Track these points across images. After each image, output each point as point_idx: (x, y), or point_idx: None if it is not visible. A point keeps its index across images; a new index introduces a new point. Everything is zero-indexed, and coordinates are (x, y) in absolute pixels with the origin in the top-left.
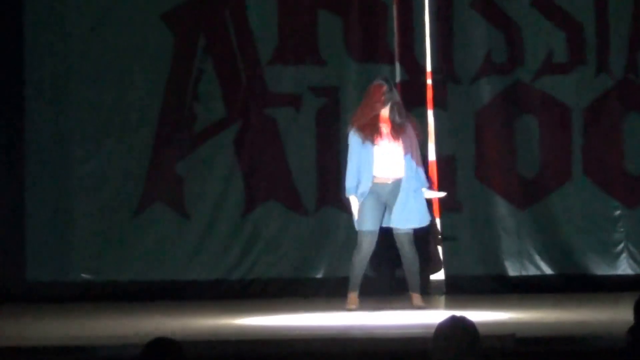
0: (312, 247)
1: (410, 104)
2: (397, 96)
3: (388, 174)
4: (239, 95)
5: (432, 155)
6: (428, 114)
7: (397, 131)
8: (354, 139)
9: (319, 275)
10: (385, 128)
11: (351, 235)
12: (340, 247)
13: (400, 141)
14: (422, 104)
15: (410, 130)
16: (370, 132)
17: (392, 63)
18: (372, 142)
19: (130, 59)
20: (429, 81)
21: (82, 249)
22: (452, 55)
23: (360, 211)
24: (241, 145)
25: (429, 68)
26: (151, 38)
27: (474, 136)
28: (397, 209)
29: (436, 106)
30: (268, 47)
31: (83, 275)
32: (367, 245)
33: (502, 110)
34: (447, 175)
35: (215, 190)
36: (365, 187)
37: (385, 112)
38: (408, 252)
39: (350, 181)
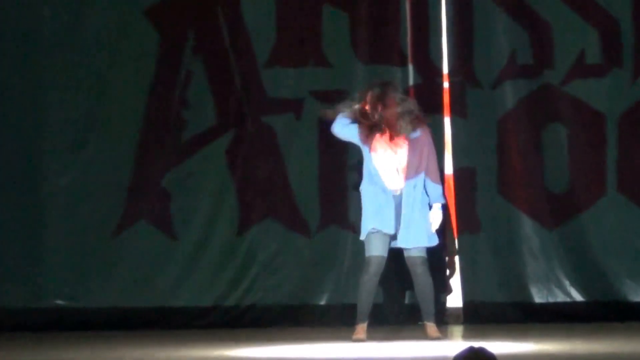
0: (315, 270)
1: (425, 110)
2: (408, 101)
3: (395, 184)
4: (232, 100)
5: (449, 168)
6: (445, 121)
7: (400, 136)
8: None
9: (323, 302)
10: (387, 133)
11: (358, 257)
12: (347, 271)
13: (404, 148)
14: (438, 110)
15: (422, 137)
16: (371, 136)
17: (404, 65)
18: (374, 146)
19: (109, 60)
20: (446, 85)
21: (56, 272)
22: (472, 56)
23: (367, 235)
24: (235, 156)
25: (445, 70)
26: (133, 36)
27: (496, 147)
28: (401, 226)
29: (454, 113)
30: (265, 46)
31: (57, 301)
32: (375, 270)
33: (527, 117)
34: (465, 190)
35: (206, 207)
36: (379, 186)
37: (392, 115)
38: (421, 276)
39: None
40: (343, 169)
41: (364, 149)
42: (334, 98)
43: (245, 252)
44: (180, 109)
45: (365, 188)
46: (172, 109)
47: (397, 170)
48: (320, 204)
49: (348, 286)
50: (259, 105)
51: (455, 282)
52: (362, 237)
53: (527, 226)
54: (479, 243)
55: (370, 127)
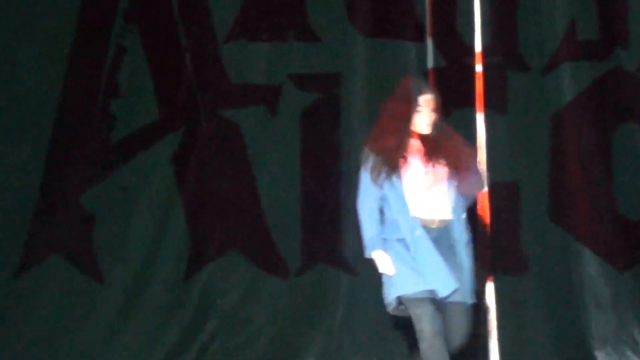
0: (296, 324)
1: (450, 102)
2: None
3: (430, 214)
4: (181, 87)
5: None
6: (477, 118)
7: (436, 148)
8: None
9: None
10: (418, 146)
11: (356, 305)
12: (339, 325)
13: (444, 163)
14: (468, 102)
15: (456, 145)
16: (394, 156)
17: (421, 40)
18: (397, 171)
19: (10, 33)
20: (479, 68)
21: None
22: (516, 29)
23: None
24: (185, 166)
25: (478, 48)
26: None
27: (548, 154)
28: (447, 270)
29: (489, 107)
30: (228, 12)
31: None
32: (431, 321)
33: (591, 114)
34: (505, 214)
35: (143, 237)
36: (406, 231)
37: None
38: (463, 326)
39: (369, 230)
40: (336, 184)
41: (392, 178)
42: (323, 85)
43: (199, 300)
44: (109, 99)
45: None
46: (97, 100)
47: (438, 192)
48: (302, 234)
49: (341, 346)
50: (218, 94)
51: (490, 339)
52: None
53: (591, 265)
54: (524, 288)
55: (393, 144)
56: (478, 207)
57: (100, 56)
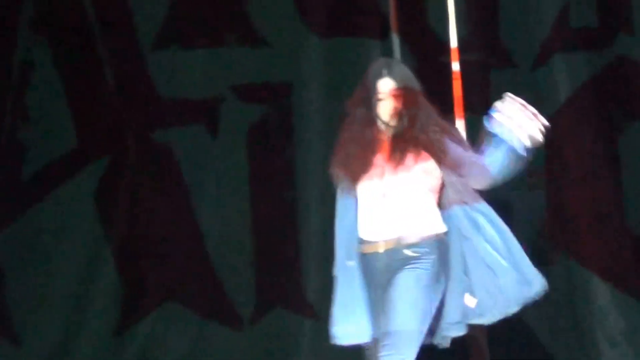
0: None
1: None
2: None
3: (377, 235)
4: (102, 107)
5: None
6: (456, 125)
7: (402, 153)
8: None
9: None
10: (377, 153)
11: (324, 356)
12: None
13: (411, 171)
14: (445, 107)
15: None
16: (350, 166)
17: (385, 37)
18: (353, 181)
19: None
20: (456, 66)
21: None
22: (498, 19)
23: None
24: (110, 200)
25: (454, 43)
26: None
27: (543, 165)
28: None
29: (470, 111)
30: (154, 16)
31: None
32: None
33: (593, 114)
34: None
35: (65, 290)
36: (342, 261)
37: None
38: None
39: (338, 249)
40: (292, 213)
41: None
42: (272, 96)
43: (135, 359)
44: (16, 124)
45: None
46: (2, 126)
47: (396, 207)
48: (255, 275)
49: None
50: (147, 113)
51: None
52: None
53: (601, 294)
54: (520, 326)
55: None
56: None
57: (3, 74)
